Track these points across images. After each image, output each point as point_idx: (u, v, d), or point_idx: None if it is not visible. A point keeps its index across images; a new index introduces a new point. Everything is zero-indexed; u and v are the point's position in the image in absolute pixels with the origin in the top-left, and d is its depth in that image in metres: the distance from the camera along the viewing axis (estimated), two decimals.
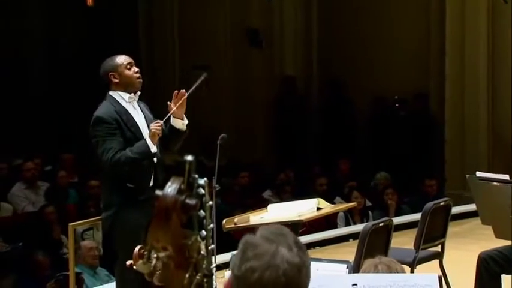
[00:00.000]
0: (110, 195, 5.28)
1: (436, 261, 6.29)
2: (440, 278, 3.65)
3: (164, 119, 5.29)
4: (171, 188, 1.97)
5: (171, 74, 13.74)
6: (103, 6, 14.07)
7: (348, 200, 9.34)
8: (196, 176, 1.98)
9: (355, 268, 4.60)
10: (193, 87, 5.44)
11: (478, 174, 5.50)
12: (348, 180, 10.69)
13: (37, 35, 14.26)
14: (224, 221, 5.29)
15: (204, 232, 2.01)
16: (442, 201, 6.43)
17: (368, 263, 3.64)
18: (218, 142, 5.81)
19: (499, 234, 5.39)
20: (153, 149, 5.15)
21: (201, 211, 2.00)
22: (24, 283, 7.83)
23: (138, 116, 5.33)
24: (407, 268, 5.85)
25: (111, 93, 5.33)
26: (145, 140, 5.17)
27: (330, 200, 6.99)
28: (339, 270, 4.26)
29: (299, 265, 2.00)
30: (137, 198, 5.11)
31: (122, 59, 5.35)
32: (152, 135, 5.16)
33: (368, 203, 10.15)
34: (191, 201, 1.97)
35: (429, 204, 6.20)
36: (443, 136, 11.56)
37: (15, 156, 11.19)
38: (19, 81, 13.77)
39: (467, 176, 5.60)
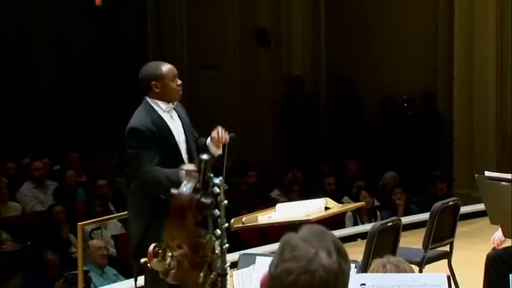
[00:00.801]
0: (141, 204, 5.19)
1: (445, 261, 6.28)
2: (448, 277, 3.64)
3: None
4: (186, 186, 1.97)
5: (179, 74, 13.72)
6: (112, 7, 14.11)
7: (356, 200, 9.33)
8: (212, 175, 1.98)
9: (364, 268, 4.60)
10: (225, 159, 5.26)
11: (487, 173, 5.49)
12: (356, 180, 10.68)
13: (45, 35, 14.30)
14: (232, 220, 5.28)
15: (218, 231, 2.01)
16: (450, 201, 6.41)
17: (376, 262, 3.63)
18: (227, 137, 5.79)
19: (507, 234, 5.38)
20: (219, 151, 5.15)
21: (216, 210, 2.00)
22: (32, 282, 7.84)
23: (174, 123, 5.20)
24: (415, 268, 5.84)
25: (149, 100, 5.17)
26: (180, 172, 4.97)
27: (338, 200, 6.98)
28: None
29: (337, 272, 1.95)
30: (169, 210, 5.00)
31: (167, 69, 5.21)
32: (189, 175, 5.03)
33: (376, 203, 10.13)
34: (206, 200, 1.97)
35: (438, 204, 6.19)
36: (452, 136, 11.53)
37: (24, 155, 11.23)
38: (27, 81, 13.81)
39: (475, 175, 5.59)
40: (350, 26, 12.75)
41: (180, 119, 5.27)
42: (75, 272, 6.70)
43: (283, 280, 1.94)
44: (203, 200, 1.97)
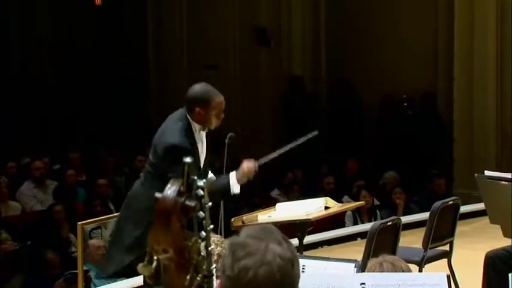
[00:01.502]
0: (145, 211, 5.18)
1: (445, 261, 6.28)
2: (448, 277, 3.64)
3: (262, 162, 5.10)
4: (170, 190, 1.97)
5: (179, 73, 13.76)
6: (112, 6, 14.11)
7: (356, 199, 9.33)
8: (195, 177, 1.99)
9: (363, 267, 4.59)
10: (299, 141, 5.21)
11: (487, 173, 5.49)
12: (356, 179, 10.68)
13: (45, 35, 14.29)
14: (232, 219, 5.29)
15: (203, 233, 2.01)
16: (450, 200, 6.42)
17: (373, 262, 3.64)
18: (226, 141, 5.80)
19: (507, 234, 5.38)
20: (236, 189, 5.04)
21: (201, 212, 2.00)
22: (33, 282, 7.85)
23: (202, 146, 5.21)
24: (415, 267, 5.84)
25: (189, 118, 5.11)
26: (229, 178, 5.01)
27: (338, 199, 6.98)
28: (347, 270, 4.25)
29: (291, 259, 1.99)
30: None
31: (218, 103, 5.11)
32: (243, 175, 5.00)
33: (376, 202, 10.14)
34: (191, 203, 1.97)
35: (437, 204, 6.19)
36: (452, 135, 11.54)
37: (24, 155, 11.23)
38: (28, 81, 13.81)
39: (475, 175, 5.59)
40: (350, 25, 12.75)
41: (206, 145, 5.26)
42: (75, 271, 6.71)
43: (242, 278, 1.95)
44: (187, 202, 1.97)
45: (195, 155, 5.08)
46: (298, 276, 2.01)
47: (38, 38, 14.19)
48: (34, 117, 13.55)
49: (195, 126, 5.12)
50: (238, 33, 13.29)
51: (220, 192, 5.03)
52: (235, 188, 5.05)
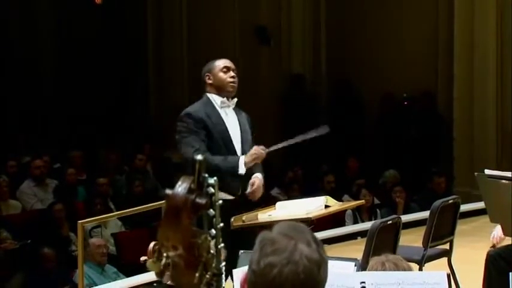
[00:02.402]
0: None
1: (445, 259, 6.29)
2: (448, 275, 3.64)
3: (271, 149, 5.23)
4: (181, 187, 1.97)
5: (179, 72, 13.76)
6: (112, 5, 14.10)
7: (356, 198, 9.33)
8: (206, 175, 1.99)
9: (364, 266, 4.59)
10: (308, 136, 5.31)
11: (487, 172, 5.49)
12: (356, 178, 10.68)
13: (45, 34, 14.29)
14: (232, 218, 5.28)
15: (213, 231, 2.02)
16: (450, 199, 6.42)
17: (375, 260, 3.64)
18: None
19: (508, 232, 5.38)
20: (242, 170, 5.12)
21: (211, 210, 2.00)
22: (33, 280, 7.85)
23: (230, 122, 5.31)
24: (415, 266, 5.84)
25: (207, 94, 5.35)
26: (239, 157, 5.13)
27: (338, 198, 6.98)
28: (347, 268, 4.26)
29: (318, 262, 1.98)
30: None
31: (220, 62, 5.42)
32: (252, 158, 5.12)
33: (376, 201, 10.14)
34: (201, 200, 1.97)
35: (437, 202, 6.19)
36: (452, 134, 11.54)
37: (24, 153, 11.24)
38: (29, 80, 13.81)
39: (476, 173, 5.59)
40: (351, 24, 12.75)
41: (239, 122, 5.37)
42: None
43: (267, 274, 1.96)
44: (198, 200, 1.97)
45: (222, 126, 5.23)
46: (323, 279, 2.01)
47: (38, 38, 14.19)
48: (34, 116, 13.55)
49: (215, 100, 5.30)
50: (239, 32, 13.29)
51: (229, 170, 5.11)
52: (241, 169, 5.14)
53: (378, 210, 9.89)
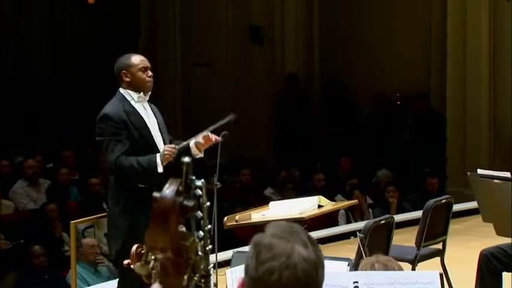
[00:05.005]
0: (118, 194, 5.24)
1: (437, 259, 6.29)
2: (441, 275, 3.65)
3: (180, 146, 5.18)
4: (169, 189, 1.97)
5: (172, 71, 13.74)
6: (105, 5, 14.08)
7: (349, 198, 9.34)
8: (194, 177, 1.98)
9: (357, 266, 4.60)
10: (217, 124, 5.33)
11: (480, 171, 5.50)
12: (349, 178, 10.69)
13: (39, 33, 14.27)
14: (225, 218, 5.28)
15: (201, 233, 2.01)
16: (443, 199, 6.43)
17: (365, 261, 3.64)
18: (220, 139, 5.79)
19: (500, 232, 5.39)
20: (160, 169, 5.07)
21: (199, 212, 2.00)
22: (25, 280, 7.83)
23: (148, 117, 5.27)
24: (408, 266, 5.85)
25: (121, 90, 5.29)
26: (156, 157, 5.09)
27: (331, 198, 6.99)
28: (340, 268, 4.26)
29: (316, 263, 1.98)
30: (146, 200, 5.05)
31: (137, 60, 5.28)
32: (165, 158, 5.08)
33: (369, 201, 10.15)
34: (189, 203, 1.97)
35: (430, 202, 6.20)
36: (445, 134, 11.56)
37: (17, 153, 11.21)
38: (22, 80, 13.79)
39: (468, 173, 5.60)
40: (344, 24, 12.76)
41: (155, 116, 5.33)
42: None
43: (267, 280, 1.94)
44: (186, 202, 1.96)
45: (141, 123, 5.19)
46: (322, 279, 2.00)
47: (31, 37, 14.16)
48: (27, 116, 13.52)
49: (131, 95, 5.24)
50: (232, 31, 13.29)
51: (150, 171, 5.07)
52: (160, 168, 5.07)
53: (370, 209, 9.89)
